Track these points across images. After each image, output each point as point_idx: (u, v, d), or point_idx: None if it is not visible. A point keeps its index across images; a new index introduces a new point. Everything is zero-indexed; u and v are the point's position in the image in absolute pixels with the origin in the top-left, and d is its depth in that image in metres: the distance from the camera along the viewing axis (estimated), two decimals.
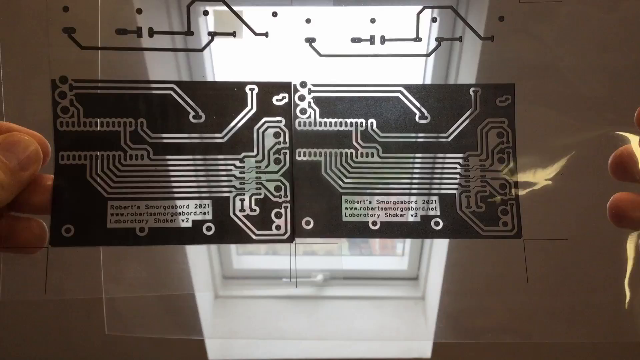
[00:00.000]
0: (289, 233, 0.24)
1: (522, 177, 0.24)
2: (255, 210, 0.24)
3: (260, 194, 0.24)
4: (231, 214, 0.24)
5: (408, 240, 0.74)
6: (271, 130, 0.25)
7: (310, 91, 0.25)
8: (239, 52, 0.27)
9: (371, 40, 0.26)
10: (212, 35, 0.28)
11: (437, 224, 0.24)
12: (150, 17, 0.56)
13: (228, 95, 0.25)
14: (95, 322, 0.65)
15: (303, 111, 0.25)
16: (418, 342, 0.67)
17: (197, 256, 0.63)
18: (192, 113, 0.24)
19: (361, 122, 0.25)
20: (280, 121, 0.25)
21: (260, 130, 0.25)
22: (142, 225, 0.24)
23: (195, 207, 0.24)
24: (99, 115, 0.24)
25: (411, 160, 0.25)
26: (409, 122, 0.25)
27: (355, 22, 0.27)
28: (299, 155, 0.24)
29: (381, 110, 0.25)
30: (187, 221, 0.24)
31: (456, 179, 0.25)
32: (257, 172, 0.24)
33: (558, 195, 0.26)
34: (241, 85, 0.26)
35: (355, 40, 0.26)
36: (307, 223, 0.24)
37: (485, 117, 0.25)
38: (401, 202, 0.24)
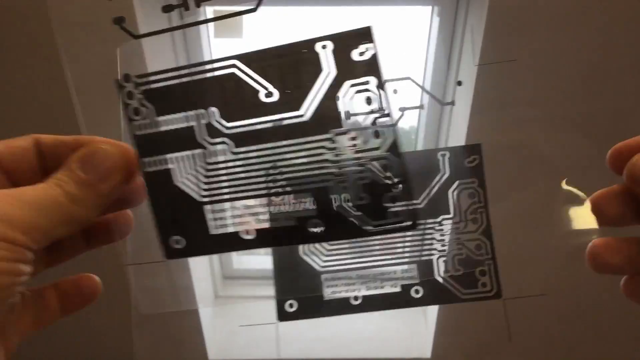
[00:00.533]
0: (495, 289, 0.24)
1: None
2: (459, 271, 0.24)
3: (462, 254, 0.24)
4: (436, 276, 0.25)
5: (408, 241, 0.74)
6: (466, 192, 0.24)
7: None
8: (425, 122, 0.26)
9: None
10: (403, 110, 0.23)
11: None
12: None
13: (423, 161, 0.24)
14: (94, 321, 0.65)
15: None
16: (418, 342, 0.67)
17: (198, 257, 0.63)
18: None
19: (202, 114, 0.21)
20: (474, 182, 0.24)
21: (455, 193, 0.24)
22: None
23: (402, 273, 0.25)
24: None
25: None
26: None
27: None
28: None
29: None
30: (395, 286, 0.25)
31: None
32: (456, 234, 0.24)
33: (535, 251, 0.27)
34: (434, 152, 0.24)
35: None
36: (177, 242, 0.22)
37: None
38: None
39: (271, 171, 0.20)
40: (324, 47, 0.19)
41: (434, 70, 0.64)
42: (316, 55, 0.19)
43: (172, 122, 0.21)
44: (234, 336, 0.70)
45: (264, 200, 0.21)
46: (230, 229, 0.21)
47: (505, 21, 0.48)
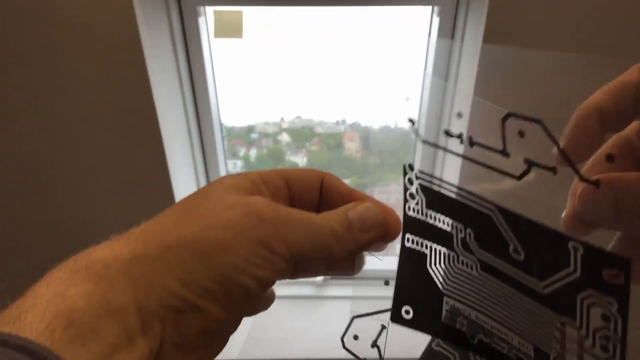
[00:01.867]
0: None
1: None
2: None
3: None
4: None
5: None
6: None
7: None
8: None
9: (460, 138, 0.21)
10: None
11: None
12: (184, 18, 0.55)
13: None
14: None
15: None
16: (418, 342, 0.67)
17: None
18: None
19: (460, 228, 0.23)
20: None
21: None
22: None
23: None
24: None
25: (515, 295, 0.21)
26: (506, 252, 0.22)
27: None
28: None
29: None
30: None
31: (552, 340, 0.20)
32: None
33: None
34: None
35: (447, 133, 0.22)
36: (407, 312, 0.24)
37: (587, 286, 0.19)
38: (498, 329, 0.22)
39: (499, 309, 0.22)
40: (575, 248, 0.19)
41: (434, 70, 0.64)
42: (568, 251, 0.19)
43: (437, 219, 0.23)
44: (234, 336, 0.70)
45: (494, 323, 0.22)
46: (457, 326, 0.23)
47: (505, 21, 0.48)
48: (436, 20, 0.59)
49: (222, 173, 0.72)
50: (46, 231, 0.64)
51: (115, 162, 0.59)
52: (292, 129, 0.76)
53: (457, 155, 0.21)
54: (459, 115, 0.23)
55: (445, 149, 0.22)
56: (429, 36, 0.60)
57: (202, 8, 0.61)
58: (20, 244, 0.65)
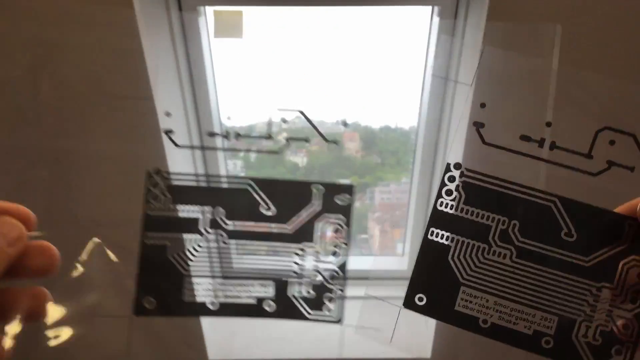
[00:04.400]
0: None
1: None
2: (310, 294, 0.27)
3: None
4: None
5: (408, 240, 0.74)
6: (331, 226, 0.28)
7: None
8: (310, 155, 0.29)
9: (540, 142, 0.25)
10: (289, 140, 0.33)
11: (547, 342, 0.24)
12: (184, 18, 0.55)
13: (296, 192, 0.28)
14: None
15: None
16: (418, 342, 0.67)
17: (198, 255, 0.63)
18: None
19: (503, 220, 0.25)
20: (341, 219, 0.27)
21: (321, 225, 0.28)
22: (213, 299, 0.28)
23: (260, 287, 0.28)
24: (184, 202, 0.27)
25: (549, 274, 0.25)
26: (555, 237, 0.25)
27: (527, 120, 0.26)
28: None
29: None
30: (251, 298, 0.28)
31: (582, 305, 0.24)
32: (315, 261, 0.27)
33: None
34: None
35: (525, 138, 0.25)
36: (420, 299, 0.26)
37: (631, 253, 0.24)
38: (518, 310, 0.25)
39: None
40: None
41: (434, 69, 0.64)
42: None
43: (473, 213, 0.25)
44: (234, 336, 0.70)
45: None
46: (469, 312, 0.25)
47: (505, 21, 0.48)
48: (436, 20, 0.59)
49: (222, 173, 0.72)
50: None
51: (113, 160, 0.59)
52: (292, 129, 0.76)
53: (536, 158, 0.25)
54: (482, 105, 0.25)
55: (517, 152, 0.25)
56: (429, 36, 0.60)
57: (202, 8, 0.61)
58: None
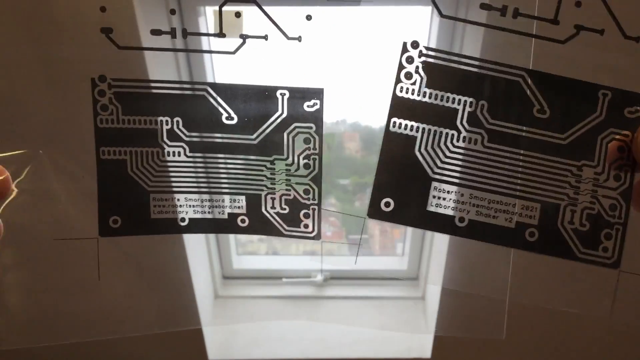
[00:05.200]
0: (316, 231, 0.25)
1: (637, 201, 0.22)
2: (285, 209, 0.25)
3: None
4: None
5: (408, 240, 0.74)
6: (301, 136, 0.25)
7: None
8: (270, 56, 0.26)
9: (503, 10, 0.24)
10: (244, 37, 0.28)
11: (532, 234, 0.22)
12: (184, 18, 0.56)
13: (260, 99, 0.25)
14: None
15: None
16: (418, 342, 0.67)
17: (198, 257, 0.63)
18: (224, 114, 0.25)
19: (470, 102, 0.22)
20: (311, 127, 0.25)
21: (291, 135, 0.25)
22: (183, 215, 0.25)
23: (230, 202, 0.25)
24: (136, 113, 0.25)
25: (526, 157, 0.22)
26: (528, 115, 0.23)
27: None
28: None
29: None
30: (222, 213, 0.25)
31: (564, 188, 0.22)
32: (286, 175, 0.25)
33: None
34: (272, 90, 0.25)
35: (486, 7, 0.24)
36: (387, 205, 0.23)
37: (608, 127, 0.22)
38: (497, 201, 0.22)
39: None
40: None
41: None
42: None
43: (437, 96, 0.23)
44: (234, 336, 0.70)
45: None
46: (443, 211, 0.23)
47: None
48: (436, 20, 0.58)
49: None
50: None
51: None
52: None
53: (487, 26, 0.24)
54: None
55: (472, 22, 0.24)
56: (429, 36, 0.60)
57: (202, 8, 0.61)
58: None
